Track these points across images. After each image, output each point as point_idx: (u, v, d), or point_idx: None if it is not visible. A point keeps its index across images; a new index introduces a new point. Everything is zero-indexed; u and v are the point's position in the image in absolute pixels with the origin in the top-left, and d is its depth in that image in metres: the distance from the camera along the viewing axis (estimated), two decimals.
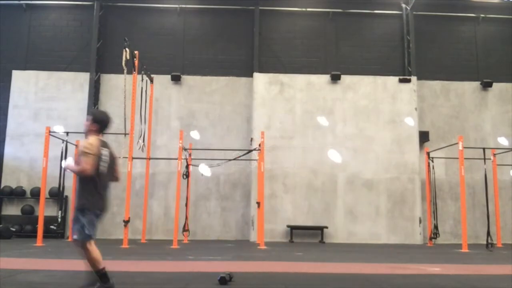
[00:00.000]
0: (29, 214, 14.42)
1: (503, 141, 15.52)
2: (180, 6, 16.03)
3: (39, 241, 11.47)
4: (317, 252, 10.65)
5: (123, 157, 11.43)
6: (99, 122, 4.69)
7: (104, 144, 4.64)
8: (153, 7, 16.06)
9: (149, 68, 13.69)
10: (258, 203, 12.20)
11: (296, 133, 15.08)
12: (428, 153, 14.47)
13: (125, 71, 11.33)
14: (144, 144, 12.67)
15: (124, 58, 11.37)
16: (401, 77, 15.56)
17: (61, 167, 12.66)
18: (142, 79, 13.14)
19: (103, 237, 14.18)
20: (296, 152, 14.94)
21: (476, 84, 15.98)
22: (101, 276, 4.44)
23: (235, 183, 15.15)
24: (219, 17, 16.20)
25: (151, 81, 14.24)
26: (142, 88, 12.96)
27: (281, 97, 15.29)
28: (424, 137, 15.26)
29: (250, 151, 13.62)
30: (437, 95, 15.90)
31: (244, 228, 14.88)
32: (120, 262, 7.50)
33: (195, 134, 15.19)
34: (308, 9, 16.22)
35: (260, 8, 15.92)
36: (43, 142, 12.28)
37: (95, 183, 4.47)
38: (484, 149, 13.02)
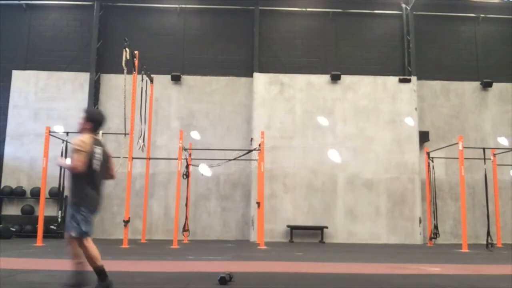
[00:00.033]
0: (29, 214, 14.42)
1: (503, 141, 15.52)
2: (180, 6, 16.03)
3: (39, 241, 11.48)
4: (317, 252, 10.64)
5: (123, 157, 11.43)
6: (93, 121, 4.73)
7: (98, 143, 4.67)
8: (153, 7, 16.06)
9: (149, 68, 13.69)
10: (258, 203, 12.20)
11: (296, 133, 15.09)
12: (428, 153, 14.47)
13: (125, 71, 11.32)
14: (144, 144, 12.67)
15: (124, 58, 11.36)
16: (401, 77, 15.56)
17: (61, 167, 12.65)
18: (142, 79, 13.13)
19: (103, 237, 14.19)
20: (296, 152, 14.94)
21: (476, 84, 15.99)
22: (100, 273, 4.45)
23: (235, 183, 15.15)
24: (219, 17, 16.21)
25: (151, 81, 14.24)
26: (142, 88, 12.95)
27: (281, 97, 15.29)
28: (424, 137, 15.26)
29: (250, 151, 13.62)
30: (437, 95, 15.90)
31: (244, 228, 14.88)
32: (120, 262, 7.51)
33: (195, 134, 15.18)
34: (308, 9, 16.22)
35: (260, 8, 15.92)
36: (43, 142, 12.29)
37: (88, 180, 4.51)
38: (484, 149, 13.03)
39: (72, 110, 15.12)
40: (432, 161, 14.29)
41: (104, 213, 14.57)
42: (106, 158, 4.74)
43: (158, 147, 15.01)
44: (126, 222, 11.29)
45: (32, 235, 12.83)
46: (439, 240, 14.30)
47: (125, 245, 10.95)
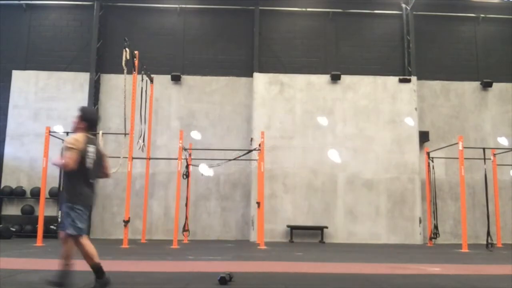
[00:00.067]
0: (29, 214, 14.42)
1: (503, 141, 15.52)
2: (180, 6, 16.03)
3: (39, 241, 11.48)
4: (317, 252, 10.64)
5: (123, 157, 11.44)
6: (88, 120, 4.78)
7: (91, 141, 4.70)
8: (153, 7, 16.06)
9: (149, 68, 13.69)
10: (258, 203, 12.20)
11: (296, 133, 15.08)
12: (428, 153, 14.47)
13: (125, 71, 11.33)
14: (144, 144, 12.67)
15: (124, 58, 11.37)
16: (401, 77, 15.56)
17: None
18: (142, 79, 13.13)
19: (103, 237, 14.20)
20: (296, 152, 14.94)
21: (476, 84, 15.99)
22: (97, 270, 4.46)
23: (235, 183, 15.15)
24: (219, 17, 16.20)
25: (151, 81, 14.24)
26: (142, 88, 12.95)
27: (281, 97, 15.29)
28: (424, 137, 15.26)
29: (250, 151, 13.62)
30: (437, 95, 15.90)
31: (244, 228, 14.88)
32: (120, 262, 7.51)
33: (195, 134, 15.19)
34: (308, 9, 16.22)
35: (260, 8, 15.92)
36: (43, 142, 12.29)
37: (81, 178, 4.55)
38: (484, 149, 13.02)
39: (72, 110, 15.08)
40: (432, 161, 14.29)
41: (104, 213, 14.60)
42: (99, 156, 4.78)
43: (158, 147, 15.01)
44: (126, 222, 11.30)
45: (32, 235, 12.83)
46: (439, 240, 14.30)
47: (125, 245, 10.95)
